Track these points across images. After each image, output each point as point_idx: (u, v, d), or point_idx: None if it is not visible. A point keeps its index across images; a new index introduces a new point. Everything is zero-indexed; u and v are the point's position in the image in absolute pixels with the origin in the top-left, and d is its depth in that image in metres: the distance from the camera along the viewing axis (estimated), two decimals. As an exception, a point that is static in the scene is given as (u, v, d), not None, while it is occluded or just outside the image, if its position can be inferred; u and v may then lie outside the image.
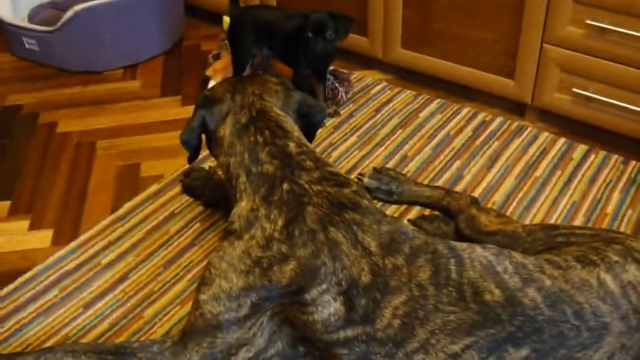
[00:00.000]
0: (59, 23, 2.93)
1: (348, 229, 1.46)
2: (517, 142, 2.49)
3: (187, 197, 2.26)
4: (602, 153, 2.42)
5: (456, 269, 1.43)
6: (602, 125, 2.43)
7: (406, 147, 2.47)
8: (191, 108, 1.89)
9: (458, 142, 2.49)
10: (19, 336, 1.79)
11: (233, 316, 1.48)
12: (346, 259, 1.43)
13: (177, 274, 1.97)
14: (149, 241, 2.09)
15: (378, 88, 2.84)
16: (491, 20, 2.52)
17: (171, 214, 2.19)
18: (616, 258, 1.45)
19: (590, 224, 2.11)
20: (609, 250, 1.47)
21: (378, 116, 2.66)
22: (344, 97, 2.71)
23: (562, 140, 2.49)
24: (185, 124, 1.76)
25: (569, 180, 2.30)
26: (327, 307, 1.43)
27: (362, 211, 1.50)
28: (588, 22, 2.27)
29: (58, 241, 2.11)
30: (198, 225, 2.15)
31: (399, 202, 2.20)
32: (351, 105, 2.73)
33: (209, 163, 2.36)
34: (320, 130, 2.53)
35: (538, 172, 2.33)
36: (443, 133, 2.55)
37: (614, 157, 2.40)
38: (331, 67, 2.69)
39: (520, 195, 2.24)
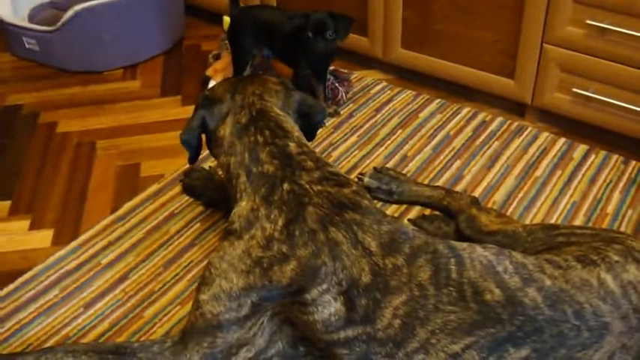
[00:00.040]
0: (59, 23, 2.93)
1: (348, 229, 1.46)
2: (517, 142, 2.49)
3: (187, 197, 2.26)
4: (603, 153, 2.42)
5: (457, 269, 1.43)
6: (603, 125, 2.43)
7: (406, 147, 2.48)
8: (191, 108, 1.89)
9: (458, 142, 2.49)
10: (19, 336, 1.79)
11: (233, 316, 1.48)
12: (346, 259, 1.43)
13: (177, 274, 1.97)
14: (149, 241, 2.09)
15: (378, 88, 2.85)
16: (492, 20, 2.52)
17: (171, 214, 2.19)
18: (616, 258, 1.45)
19: (590, 224, 2.11)
20: (610, 249, 1.47)
21: (378, 116, 2.66)
22: (344, 97, 2.71)
23: (562, 140, 2.49)
24: (185, 124, 1.76)
25: (570, 180, 2.30)
26: (328, 307, 1.43)
27: (362, 211, 1.50)
28: (588, 22, 2.27)
29: (58, 241, 2.11)
30: (198, 225, 2.15)
31: (399, 202, 2.20)
32: (351, 105, 2.73)
33: (209, 163, 2.36)
34: (320, 129, 2.53)
35: (538, 172, 2.33)
36: (443, 133, 2.55)
37: (615, 157, 2.40)
38: (331, 67, 2.69)
39: (520, 195, 2.24)
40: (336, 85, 2.70)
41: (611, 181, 2.29)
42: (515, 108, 2.66)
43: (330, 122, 2.62)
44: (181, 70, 3.05)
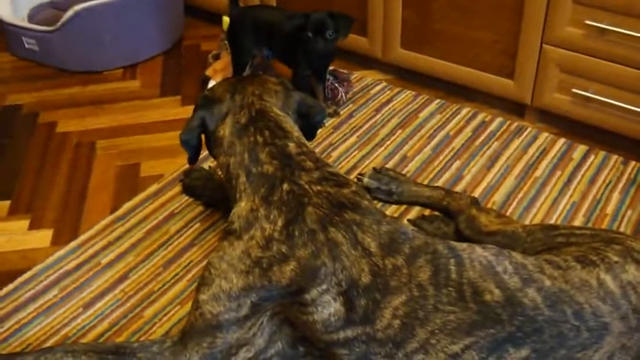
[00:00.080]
0: (59, 23, 2.93)
1: (348, 229, 1.46)
2: (517, 142, 2.49)
3: (187, 197, 2.26)
4: (602, 153, 2.42)
5: (456, 269, 1.43)
6: (602, 125, 2.43)
7: (406, 147, 2.48)
8: (191, 108, 1.89)
9: (457, 143, 2.50)
10: (18, 336, 1.79)
11: (233, 316, 1.48)
12: (346, 259, 1.43)
13: (177, 274, 1.97)
14: (149, 240, 2.09)
15: (378, 88, 2.85)
16: (491, 20, 2.52)
17: (171, 214, 2.19)
18: (616, 258, 1.45)
19: (589, 224, 2.11)
20: (609, 250, 1.47)
21: (377, 116, 2.66)
22: (344, 97, 2.71)
23: (562, 140, 2.49)
24: (184, 124, 1.76)
25: (569, 180, 2.30)
26: (327, 308, 1.43)
27: (362, 211, 1.50)
28: (588, 22, 2.27)
29: (57, 241, 2.11)
30: (198, 225, 2.15)
31: (398, 203, 2.20)
32: (350, 105, 2.73)
33: (209, 163, 2.36)
34: (320, 130, 2.52)
35: (538, 173, 2.33)
36: (442, 133, 2.55)
37: (614, 157, 2.40)
38: (331, 67, 2.69)
39: (520, 195, 2.24)
40: (336, 85, 2.70)
41: (610, 182, 2.29)
42: (515, 108, 2.66)
43: (329, 122, 2.62)
44: (181, 70, 3.05)
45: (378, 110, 2.70)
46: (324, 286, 1.43)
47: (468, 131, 2.56)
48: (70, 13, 2.89)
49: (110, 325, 1.82)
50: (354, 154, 2.45)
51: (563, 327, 1.35)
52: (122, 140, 2.58)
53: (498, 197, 2.23)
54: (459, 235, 1.93)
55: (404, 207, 2.19)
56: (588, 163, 2.38)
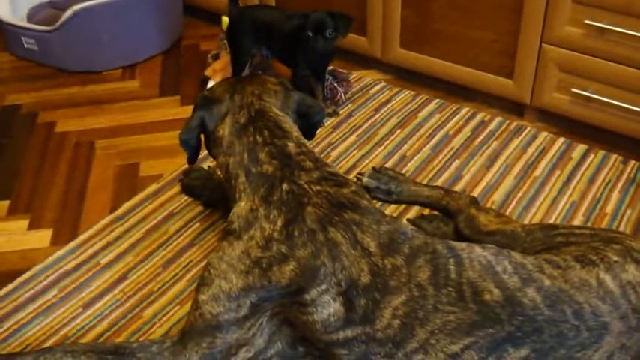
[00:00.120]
0: (58, 23, 2.93)
1: (347, 229, 1.46)
2: (516, 141, 2.49)
3: (186, 197, 2.26)
4: (601, 153, 2.42)
5: (456, 269, 1.43)
6: (601, 125, 2.43)
7: (405, 147, 2.48)
8: (190, 108, 1.89)
9: (457, 142, 2.50)
10: (18, 336, 1.79)
11: (232, 317, 1.48)
12: (346, 259, 1.43)
13: (176, 274, 1.97)
14: (148, 240, 2.09)
15: (377, 87, 2.85)
16: (491, 20, 2.52)
17: (170, 213, 2.19)
18: (615, 258, 1.45)
19: (589, 224, 2.11)
20: (608, 249, 1.47)
21: (377, 116, 2.66)
22: (343, 96, 2.71)
23: (561, 140, 2.49)
24: (184, 124, 1.76)
25: (569, 180, 2.30)
26: (327, 308, 1.43)
27: (361, 211, 1.50)
28: (587, 22, 2.27)
29: (57, 241, 2.11)
30: (197, 225, 2.15)
31: (398, 202, 2.20)
32: (350, 105, 2.73)
33: (208, 163, 2.36)
34: (319, 130, 2.53)
35: (537, 172, 2.34)
36: (442, 132, 2.55)
37: (613, 156, 2.40)
38: (330, 67, 2.69)
39: (519, 195, 2.24)
40: (335, 85, 2.70)
41: (610, 181, 2.29)
42: (514, 108, 2.66)
43: (329, 122, 2.62)
44: (180, 70, 3.05)
45: (377, 110, 2.70)
46: (324, 286, 1.43)
47: (467, 131, 2.56)
48: (69, 13, 2.89)
49: (109, 325, 1.82)
50: (353, 153, 2.45)
51: (563, 326, 1.35)
52: (121, 140, 2.57)
53: (497, 197, 2.23)
54: (459, 235, 1.93)
55: (403, 206, 2.19)
56: (587, 163, 2.38)
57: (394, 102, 2.74)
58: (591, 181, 2.29)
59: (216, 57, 2.90)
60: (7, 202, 2.28)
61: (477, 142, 2.49)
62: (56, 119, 2.71)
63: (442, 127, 2.58)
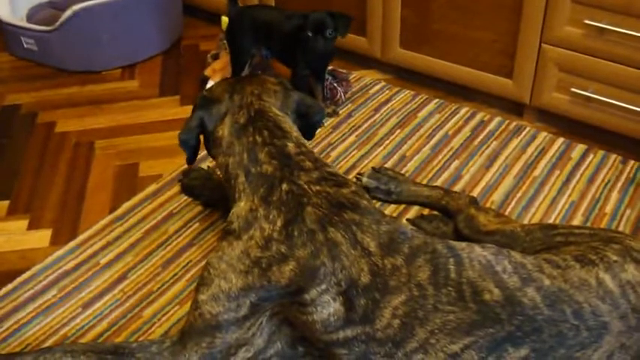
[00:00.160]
0: (58, 23, 2.93)
1: (347, 229, 1.46)
2: (515, 141, 2.49)
3: (186, 197, 2.26)
4: (601, 153, 2.42)
5: (455, 269, 1.43)
6: (601, 125, 2.43)
7: (405, 147, 2.48)
8: (189, 108, 1.89)
9: (456, 142, 2.50)
10: (17, 336, 1.79)
11: (232, 317, 1.48)
12: (345, 259, 1.43)
13: (175, 274, 1.97)
14: (148, 240, 2.09)
15: (377, 87, 2.85)
16: (490, 20, 2.52)
17: (169, 213, 2.19)
18: (615, 257, 1.45)
19: (588, 224, 2.11)
20: (608, 249, 1.47)
21: (376, 116, 2.66)
22: (342, 96, 2.71)
23: (560, 140, 2.49)
24: (183, 124, 1.76)
25: (568, 180, 2.30)
26: (327, 308, 1.43)
27: (361, 211, 1.50)
28: (587, 21, 2.27)
29: (56, 241, 2.11)
30: (196, 225, 2.14)
31: (397, 202, 2.20)
32: (349, 105, 2.73)
33: (207, 163, 2.36)
34: (319, 129, 2.52)
35: (537, 172, 2.34)
36: (441, 132, 2.55)
37: (613, 156, 2.40)
38: (330, 67, 2.69)
39: (519, 195, 2.24)
40: (335, 85, 2.70)
41: (609, 181, 2.29)
42: (514, 108, 2.66)
43: (328, 122, 2.62)
44: (180, 70, 3.05)
45: (376, 110, 2.70)
46: (324, 286, 1.43)
47: (466, 131, 2.56)
48: (68, 13, 2.89)
49: (109, 325, 1.82)
50: (353, 153, 2.45)
51: (563, 326, 1.35)
52: (121, 140, 2.57)
53: (497, 197, 2.23)
54: (458, 235, 1.93)
55: (403, 206, 2.19)
56: (587, 163, 2.38)
57: (394, 102, 2.74)
58: (591, 180, 2.29)
59: (215, 57, 2.90)
60: (6, 202, 2.28)
61: (476, 141, 2.49)
62: (56, 119, 2.71)
63: (442, 127, 2.58)
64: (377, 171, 2.25)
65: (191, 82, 2.94)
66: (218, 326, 1.49)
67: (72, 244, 2.08)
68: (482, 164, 2.38)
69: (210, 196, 2.20)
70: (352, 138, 2.53)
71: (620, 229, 2.08)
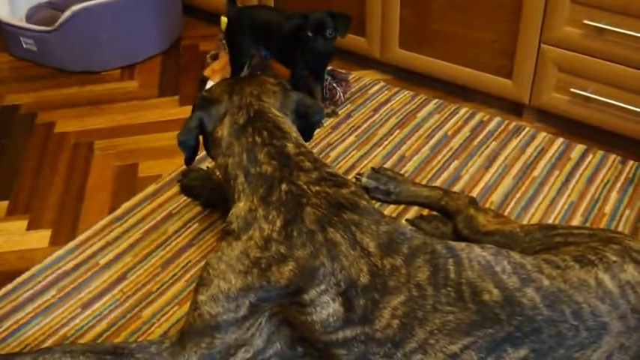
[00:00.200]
0: (57, 23, 2.93)
1: (346, 229, 1.46)
2: (515, 142, 2.49)
3: (185, 197, 2.25)
4: (600, 153, 2.42)
5: (455, 269, 1.43)
6: (600, 125, 2.43)
7: (404, 147, 2.48)
8: (189, 108, 1.89)
9: (456, 142, 2.50)
10: (17, 336, 1.79)
11: (231, 317, 1.48)
12: (345, 259, 1.43)
13: (175, 275, 1.97)
14: (147, 241, 2.09)
15: (376, 88, 2.85)
16: (490, 20, 2.52)
17: (169, 214, 2.19)
18: (614, 258, 1.45)
19: (588, 224, 2.11)
20: (607, 249, 1.47)
21: (376, 116, 2.66)
22: (342, 97, 2.71)
23: (560, 140, 2.49)
24: (182, 125, 1.76)
25: (567, 180, 2.30)
26: (326, 308, 1.43)
27: (360, 211, 1.50)
28: (586, 22, 2.27)
29: (56, 241, 2.11)
30: (196, 225, 2.14)
31: (397, 202, 2.20)
32: (348, 105, 2.73)
33: (207, 164, 2.35)
34: (318, 130, 2.53)
35: (536, 172, 2.34)
36: (441, 133, 2.55)
37: (612, 156, 2.40)
38: (329, 67, 2.69)
39: (518, 195, 2.24)
40: (334, 85, 2.70)
41: (608, 181, 2.29)
42: (513, 108, 2.66)
43: (327, 122, 2.62)
44: (179, 71, 3.05)
45: (376, 110, 2.70)
46: (323, 287, 1.43)
47: (466, 131, 2.56)
48: (67, 13, 2.89)
49: (108, 325, 1.82)
50: (352, 154, 2.45)
51: (562, 327, 1.35)
52: (120, 140, 2.57)
53: (496, 197, 2.23)
54: (457, 235, 1.93)
55: (402, 207, 2.19)
56: (586, 163, 2.38)
57: (393, 102, 2.74)
58: (590, 181, 2.29)
59: (215, 57, 2.90)
60: (5, 203, 2.28)
61: (475, 142, 2.49)
62: (55, 119, 2.71)
63: (441, 128, 2.58)
64: (376, 171, 2.25)
65: (190, 82, 2.94)
66: (217, 327, 1.49)
67: (71, 244, 2.08)
68: (481, 164, 2.38)
69: (210, 196, 2.20)
70: (351, 138, 2.53)
71: (620, 229, 2.08)
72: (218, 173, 2.10)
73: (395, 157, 2.42)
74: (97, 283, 1.95)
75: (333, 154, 2.44)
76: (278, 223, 1.47)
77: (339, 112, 2.68)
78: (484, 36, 2.56)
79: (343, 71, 2.84)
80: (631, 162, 2.37)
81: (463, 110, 2.68)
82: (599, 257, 1.45)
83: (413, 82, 2.88)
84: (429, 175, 2.33)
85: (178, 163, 2.37)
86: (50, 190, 2.33)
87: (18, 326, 1.82)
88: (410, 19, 2.72)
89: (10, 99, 2.86)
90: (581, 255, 1.47)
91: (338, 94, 2.70)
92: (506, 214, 2.14)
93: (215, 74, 2.81)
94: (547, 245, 1.61)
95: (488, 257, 1.45)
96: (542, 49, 2.43)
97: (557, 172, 2.33)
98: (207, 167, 2.33)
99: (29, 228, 2.17)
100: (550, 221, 2.12)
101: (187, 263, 2.00)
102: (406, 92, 2.81)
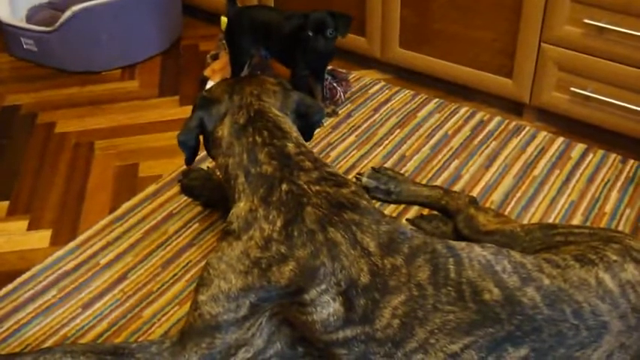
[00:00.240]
0: (57, 23, 2.93)
1: (347, 229, 1.46)
2: (515, 141, 2.49)
3: (186, 197, 2.25)
4: (601, 152, 2.42)
5: (455, 269, 1.43)
6: (601, 124, 2.43)
7: (404, 146, 2.48)
8: (189, 108, 1.89)
9: (456, 142, 2.50)
10: (17, 336, 1.79)
11: (232, 317, 1.48)
12: (345, 259, 1.43)
13: (175, 275, 1.97)
14: (147, 241, 2.09)
15: (376, 87, 2.85)
16: (490, 20, 2.52)
17: (169, 214, 2.19)
18: (614, 257, 1.45)
19: (588, 223, 2.11)
20: (608, 249, 1.47)
21: (376, 116, 2.66)
22: (342, 96, 2.71)
23: (560, 139, 2.49)
24: (183, 125, 1.76)
25: (568, 179, 2.30)
26: (326, 308, 1.43)
27: (361, 211, 1.50)
28: (586, 21, 2.27)
29: (56, 242, 2.11)
30: (196, 225, 2.14)
31: (397, 202, 2.20)
32: (349, 105, 2.73)
33: (207, 163, 2.36)
34: (318, 130, 2.53)
35: (536, 172, 2.34)
36: (441, 132, 2.55)
37: (612, 156, 2.40)
38: (329, 67, 2.69)
39: (518, 194, 2.24)
40: (334, 85, 2.70)
41: (609, 180, 2.29)
42: (513, 107, 2.66)
43: (328, 122, 2.62)
44: (179, 71, 3.05)
45: (376, 110, 2.70)
46: (323, 286, 1.43)
47: (466, 130, 2.56)
48: (68, 13, 2.89)
49: (109, 325, 1.82)
50: (352, 153, 2.45)
51: (562, 326, 1.35)
52: (121, 140, 2.57)
53: (497, 196, 2.23)
54: (458, 235, 1.93)
55: (402, 206, 2.19)
56: (587, 162, 2.38)
57: (393, 102, 2.74)
58: (590, 180, 2.29)
59: (215, 57, 2.90)
60: (6, 203, 2.28)
61: (476, 141, 2.49)
62: (55, 120, 2.71)
63: (441, 127, 2.58)
64: (376, 171, 2.25)
65: (190, 82, 2.94)
66: (218, 327, 1.49)
67: (72, 244, 2.08)
68: (481, 164, 2.38)
69: (210, 196, 2.20)
70: (352, 138, 2.53)
71: (620, 228, 2.08)
72: (218, 173, 2.10)
73: (395, 157, 2.42)
74: (98, 283, 1.95)
75: (333, 154, 2.44)
76: (278, 223, 1.47)
77: (340, 112, 2.68)
78: (484, 35, 2.56)
79: (343, 71, 2.84)
80: (631, 161, 2.37)
81: (463, 110, 2.68)
82: (600, 256, 1.45)
83: (413, 82, 2.88)
84: (430, 175, 2.33)
85: (179, 163, 2.37)
86: (51, 190, 2.33)
87: (19, 326, 1.82)
88: (410, 19, 2.72)
89: (10, 99, 2.86)
90: (582, 254, 1.47)
91: (338, 94, 2.70)
92: (506, 213, 2.14)
93: (215, 74, 2.81)
94: (547, 244, 1.61)
95: (489, 257, 1.45)
96: (542, 49, 2.43)
97: (557, 172, 2.33)
98: (208, 167, 2.33)
99: (30, 228, 2.17)
100: (550, 220, 2.12)
101: (188, 263, 2.00)
102: (406, 92, 2.81)
